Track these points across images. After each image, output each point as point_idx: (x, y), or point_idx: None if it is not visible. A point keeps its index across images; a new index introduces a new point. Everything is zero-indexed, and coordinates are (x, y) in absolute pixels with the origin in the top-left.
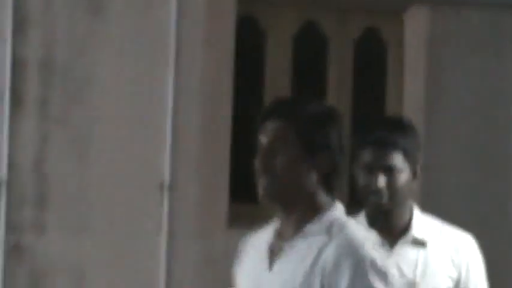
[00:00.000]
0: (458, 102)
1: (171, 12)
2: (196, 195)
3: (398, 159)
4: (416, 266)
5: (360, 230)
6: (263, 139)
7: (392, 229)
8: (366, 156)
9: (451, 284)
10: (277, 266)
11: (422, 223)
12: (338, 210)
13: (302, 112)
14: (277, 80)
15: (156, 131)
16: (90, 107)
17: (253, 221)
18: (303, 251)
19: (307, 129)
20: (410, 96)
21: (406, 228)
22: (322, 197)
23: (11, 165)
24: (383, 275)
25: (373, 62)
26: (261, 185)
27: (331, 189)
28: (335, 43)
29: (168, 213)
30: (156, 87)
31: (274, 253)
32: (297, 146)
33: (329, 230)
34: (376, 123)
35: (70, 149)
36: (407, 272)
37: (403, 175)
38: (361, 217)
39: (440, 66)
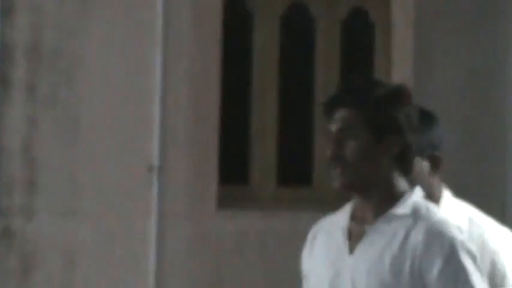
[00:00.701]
0: (447, 82)
1: None
2: (185, 177)
3: None
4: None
5: (441, 213)
6: (332, 128)
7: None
8: None
9: None
10: (360, 250)
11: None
12: (418, 192)
13: (367, 97)
14: (265, 61)
15: (144, 114)
16: (79, 91)
17: (242, 202)
18: (388, 234)
19: (374, 114)
20: (398, 77)
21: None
22: (399, 179)
23: None
24: (473, 256)
25: (360, 43)
26: (335, 174)
27: (406, 171)
28: (322, 24)
29: (157, 195)
30: (144, 70)
31: (354, 237)
32: (366, 131)
33: (414, 213)
34: None
35: (59, 132)
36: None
37: None
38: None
39: (428, 47)
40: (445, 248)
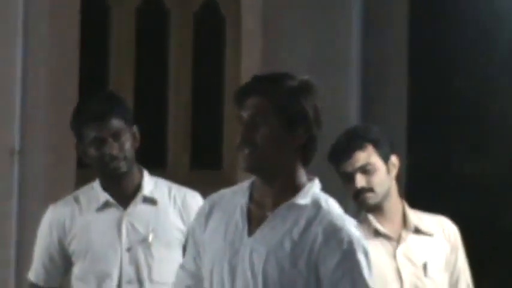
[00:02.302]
0: (293, 69)
1: None
2: (45, 161)
3: (120, 125)
4: (148, 222)
5: (338, 206)
6: (244, 114)
7: (124, 191)
8: (91, 132)
9: (181, 236)
10: (260, 233)
11: (151, 183)
12: (317, 184)
13: (280, 87)
14: (122, 51)
15: (5, 103)
16: None
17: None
18: (289, 221)
19: (285, 103)
20: (247, 67)
21: (138, 189)
22: (301, 170)
23: None
24: (366, 252)
25: (212, 34)
26: (243, 156)
27: (307, 162)
28: (176, 15)
29: (17, 177)
30: (5, 59)
31: (254, 220)
32: (277, 119)
33: (316, 203)
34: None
35: None
36: (141, 228)
37: (128, 138)
38: (96, 183)
39: (275, 38)
40: (343, 243)
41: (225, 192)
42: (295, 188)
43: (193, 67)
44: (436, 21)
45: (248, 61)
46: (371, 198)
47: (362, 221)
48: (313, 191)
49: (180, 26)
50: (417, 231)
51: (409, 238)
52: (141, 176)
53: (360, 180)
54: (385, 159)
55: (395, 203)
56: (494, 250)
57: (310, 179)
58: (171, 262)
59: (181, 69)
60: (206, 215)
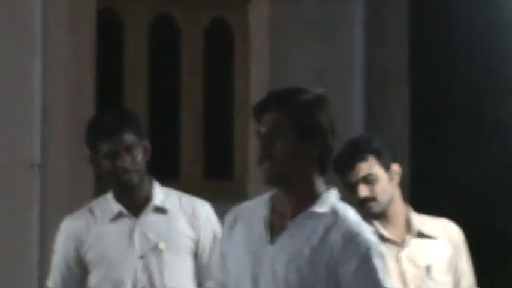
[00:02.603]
0: (299, 82)
1: (36, 2)
2: (64, 173)
3: (132, 139)
4: (160, 230)
5: (355, 214)
6: (262, 129)
7: (136, 201)
8: (104, 146)
9: (192, 244)
10: (281, 241)
11: (162, 193)
12: (334, 193)
13: (294, 101)
14: (136, 66)
15: (25, 116)
16: None
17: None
18: (308, 229)
19: (301, 117)
20: (256, 80)
21: (149, 199)
22: (318, 180)
23: None
24: (382, 256)
25: (222, 50)
26: (264, 170)
27: (324, 172)
28: (187, 31)
29: (39, 190)
30: (25, 74)
31: (275, 229)
32: (293, 132)
33: (334, 211)
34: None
35: None
36: (152, 236)
37: (140, 152)
38: (109, 195)
39: (282, 52)
40: (361, 249)
41: (248, 204)
42: (314, 197)
43: (204, 80)
44: (436, 32)
45: (256, 74)
46: (374, 207)
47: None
48: (330, 199)
49: (191, 41)
50: (421, 235)
51: (413, 242)
52: (152, 187)
53: (363, 190)
54: (387, 167)
55: (399, 209)
56: (493, 253)
57: (328, 189)
58: (181, 269)
59: (193, 83)
60: (230, 226)
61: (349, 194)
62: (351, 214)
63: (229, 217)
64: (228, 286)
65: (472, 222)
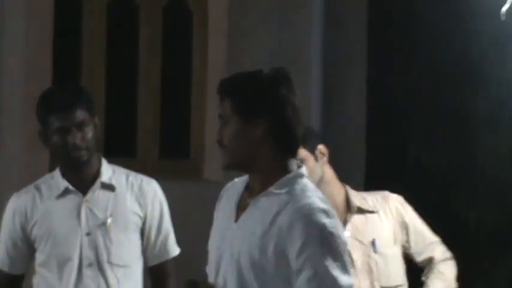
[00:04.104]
0: (256, 63)
1: None
2: (19, 150)
3: (84, 116)
4: (107, 207)
5: (318, 193)
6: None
7: (83, 178)
8: (56, 121)
9: (139, 221)
10: (241, 220)
11: (109, 170)
12: (301, 172)
13: (238, 86)
14: (93, 45)
15: None
16: None
17: None
18: (264, 209)
19: (242, 100)
20: (214, 60)
21: (96, 176)
22: (279, 158)
23: None
24: (330, 240)
25: (180, 29)
26: (221, 156)
27: (284, 150)
28: (145, 10)
29: None
30: None
31: (241, 207)
32: (236, 116)
33: (290, 192)
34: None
35: None
36: (99, 213)
37: (91, 129)
38: (56, 171)
39: (240, 34)
40: (307, 229)
41: (236, 180)
42: (277, 177)
43: (162, 60)
44: (395, 14)
45: (214, 54)
46: None
47: None
48: (293, 179)
49: (149, 21)
50: (360, 210)
51: (354, 219)
52: (100, 164)
53: None
54: (312, 150)
55: (335, 189)
56: (446, 236)
57: (298, 168)
58: (128, 246)
59: (151, 62)
60: (219, 201)
61: None
62: (307, 195)
63: (221, 192)
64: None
65: (430, 204)
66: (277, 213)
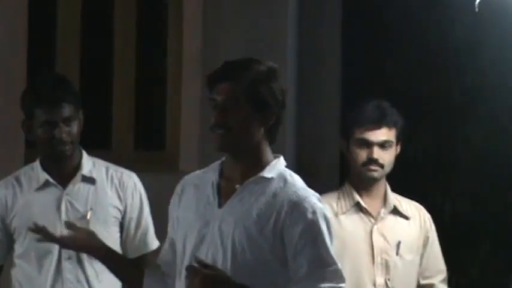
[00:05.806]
0: (231, 52)
1: None
2: None
3: (71, 110)
4: (87, 200)
5: (301, 181)
6: (217, 98)
7: (64, 171)
8: (43, 114)
9: (118, 214)
10: (229, 205)
11: (90, 163)
12: (282, 161)
13: (249, 72)
14: (68, 34)
15: None
16: None
17: None
18: (256, 193)
19: (255, 88)
20: (189, 50)
21: (77, 169)
22: (267, 148)
23: None
24: (328, 221)
25: (154, 19)
26: (217, 138)
27: (272, 140)
28: (120, 1)
29: None
30: None
31: (224, 193)
32: (247, 103)
33: (282, 177)
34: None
35: None
36: (79, 206)
37: (76, 123)
38: (36, 163)
39: (215, 23)
40: (306, 213)
41: (197, 172)
42: (262, 164)
43: (136, 50)
44: (369, 9)
45: (189, 44)
46: (378, 173)
47: (345, 194)
48: (279, 167)
49: (123, 12)
50: (395, 212)
51: (387, 217)
52: (80, 157)
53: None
54: (398, 135)
55: (383, 180)
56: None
57: (276, 156)
58: (108, 239)
59: (125, 53)
60: (179, 194)
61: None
62: (297, 180)
63: (178, 186)
64: (176, 248)
65: (405, 196)
66: (274, 196)
